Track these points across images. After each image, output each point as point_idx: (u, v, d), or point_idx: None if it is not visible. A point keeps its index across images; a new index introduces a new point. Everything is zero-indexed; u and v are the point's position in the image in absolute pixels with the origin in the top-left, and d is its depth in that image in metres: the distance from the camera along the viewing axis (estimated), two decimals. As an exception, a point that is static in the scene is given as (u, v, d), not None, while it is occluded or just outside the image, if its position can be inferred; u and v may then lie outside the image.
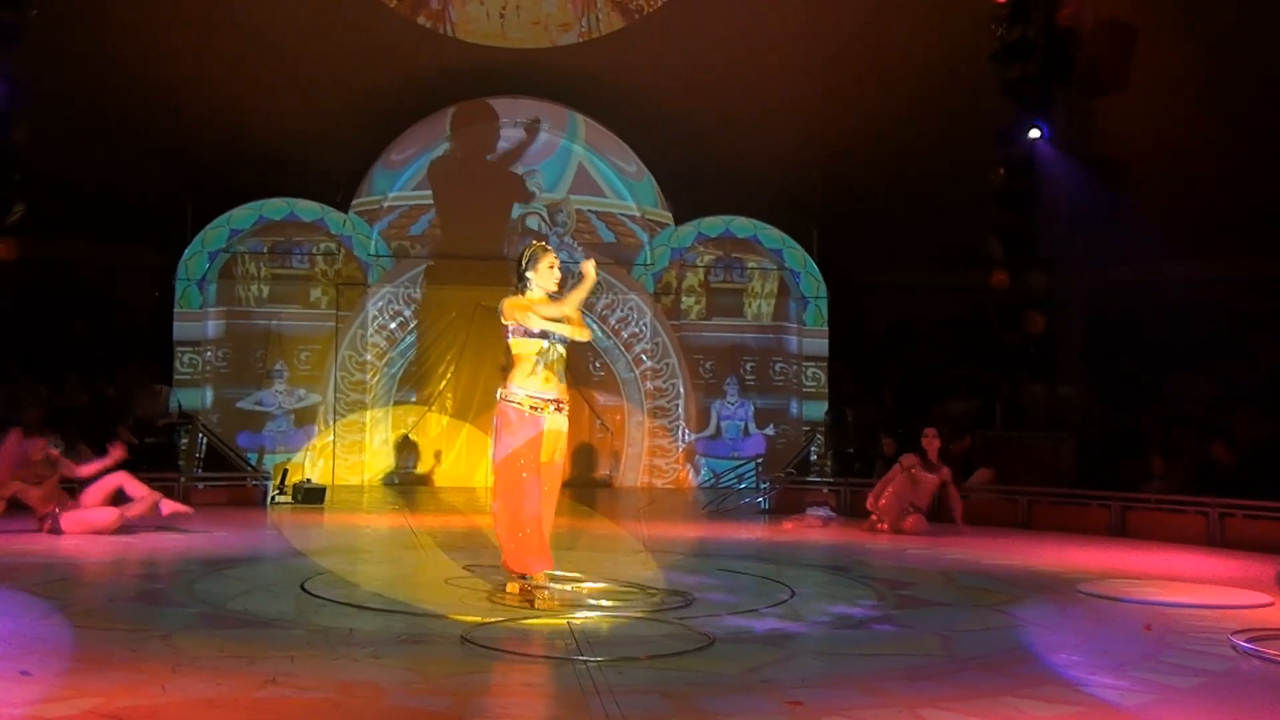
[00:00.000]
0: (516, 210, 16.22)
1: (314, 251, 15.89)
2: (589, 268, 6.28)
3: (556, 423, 6.35)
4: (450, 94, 16.11)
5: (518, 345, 6.30)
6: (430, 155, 16.18)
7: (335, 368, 15.64)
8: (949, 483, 10.87)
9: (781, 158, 16.01)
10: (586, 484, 15.29)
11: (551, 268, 6.34)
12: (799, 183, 16.05)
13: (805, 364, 16.46)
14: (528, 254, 6.40)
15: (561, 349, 6.33)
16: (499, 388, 6.43)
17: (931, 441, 10.80)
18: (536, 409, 6.28)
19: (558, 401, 6.36)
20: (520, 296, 6.36)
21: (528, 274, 6.36)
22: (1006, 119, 13.98)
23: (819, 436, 15.86)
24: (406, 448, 15.67)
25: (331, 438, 15.51)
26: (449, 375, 15.73)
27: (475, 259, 15.70)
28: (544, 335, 6.23)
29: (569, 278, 6.56)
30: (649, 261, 16.40)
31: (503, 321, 6.34)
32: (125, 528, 9.31)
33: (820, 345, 16.49)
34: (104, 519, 9.24)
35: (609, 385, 16.09)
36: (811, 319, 16.52)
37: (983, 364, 14.97)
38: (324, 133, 15.77)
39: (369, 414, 15.64)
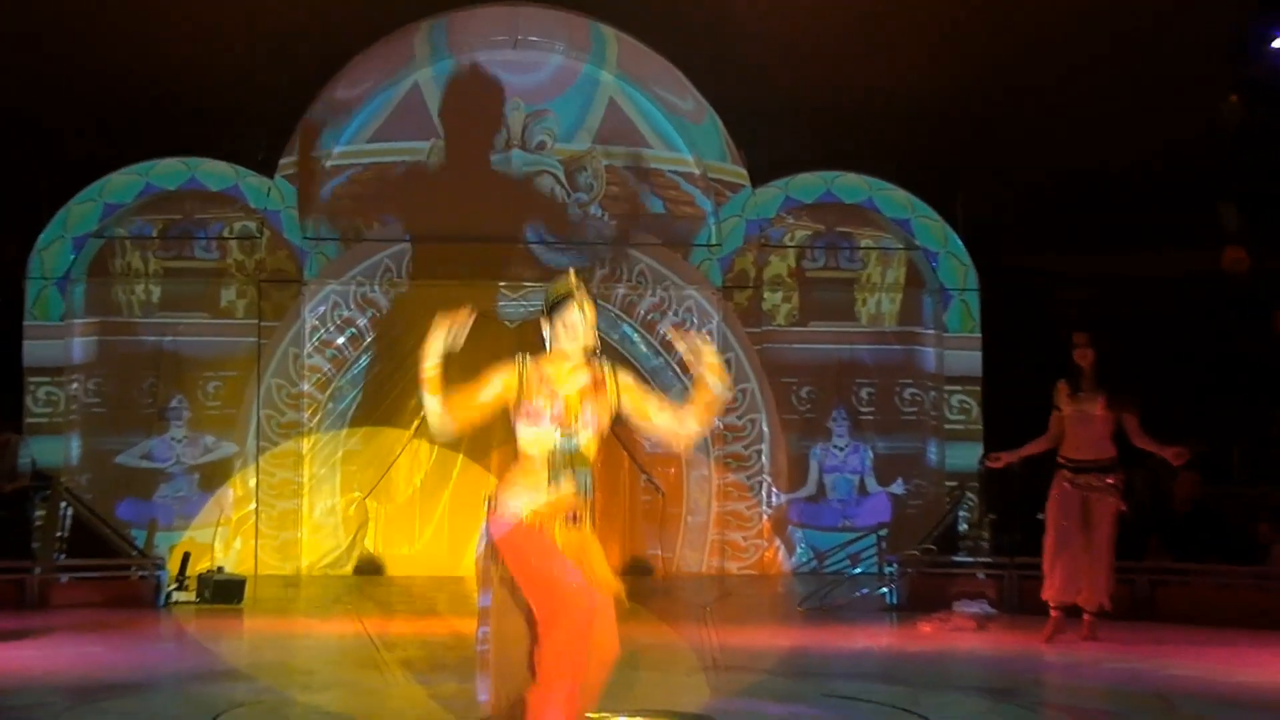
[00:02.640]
0: (519, 166, 16.27)
1: (226, 234, 15.99)
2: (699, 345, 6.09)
3: (573, 535, 6.02)
4: (418, 3, 16.22)
5: (518, 433, 6.03)
6: (394, 91, 16.27)
7: (258, 404, 15.70)
8: (1130, 420, 10.54)
9: (906, 86, 15.87)
10: (630, 570, 15.20)
11: (570, 325, 6.01)
12: (933, 123, 15.98)
13: (948, 388, 16.37)
14: (550, 295, 6.11)
15: (580, 444, 5.98)
16: (489, 494, 6.15)
17: (1084, 352, 10.63)
18: (537, 524, 5.97)
19: (570, 513, 6.01)
20: (517, 361, 6.07)
21: (544, 323, 6.11)
22: (1240, 23, 13.83)
23: (970, 496, 15.74)
24: (362, 520, 15.72)
25: (254, 506, 15.56)
26: (424, 413, 15.64)
27: (460, 241, 15.87)
28: (537, 417, 5.93)
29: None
30: (715, 241, 16.41)
31: None
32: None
33: (970, 360, 16.39)
34: None
35: (659, 424, 16.01)
36: (956, 322, 16.43)
37: (1211, 385, 14.79)
38: (237, 62, 15.81)
39: (307, 471, 15.70)
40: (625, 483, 15.60)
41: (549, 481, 5.93)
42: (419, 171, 16.22)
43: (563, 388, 5.95)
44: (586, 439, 5.98)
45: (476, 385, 5.97)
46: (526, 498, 5.94)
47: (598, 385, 5.98)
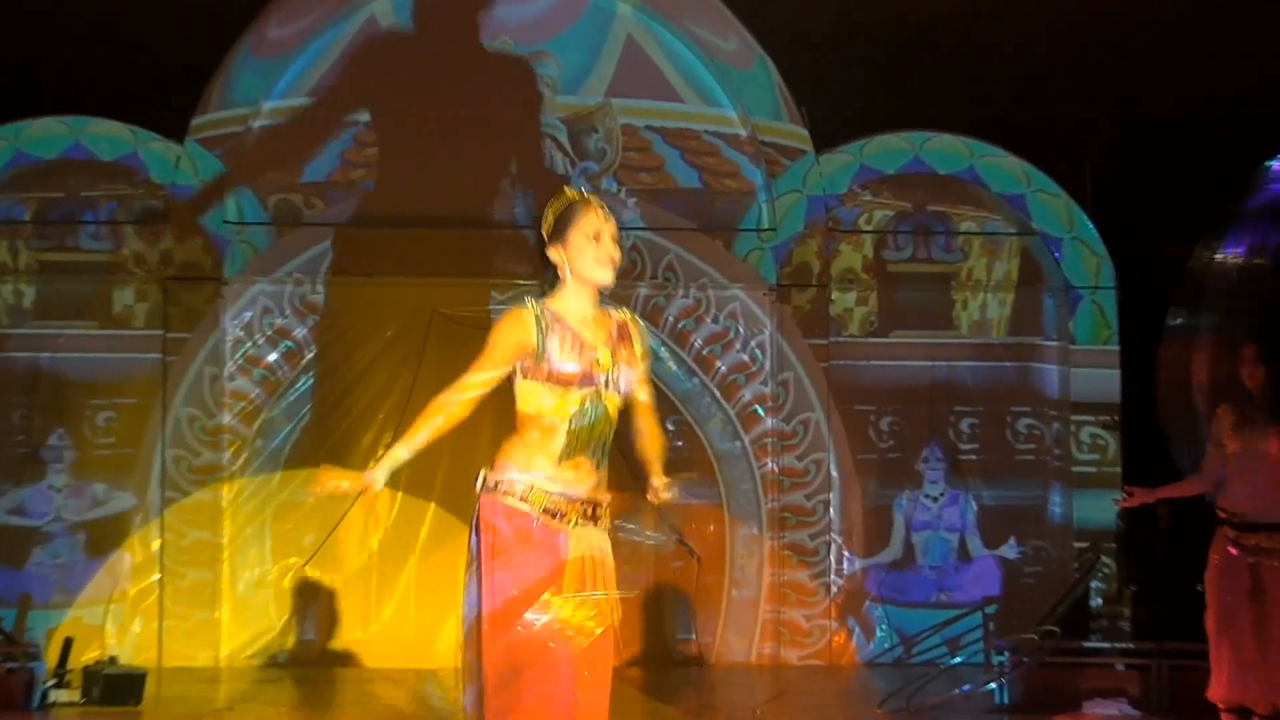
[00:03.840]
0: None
1: (121, 218, 15.97)
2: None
3: (588, 541, 6.34)
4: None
5: (524, 395, 6.33)
6: (342, 28, 16.21)
7: (164, 442, 15.66)
8: None
9: (1018, 17, 15.81)
10: (656, 659, 15.29)
11: (595, 238, 6.27)
12: (1054, 67, 15.95)
13: (1076, 419, 16.25)
14: (551, 212, 6.44)
15: (607, 408, 6.31)
16: (483, 470, 6.43)
17: (1253, 370, 10.59)
18: (553, 514, 6.26)
19: (591, 503, 6.35)
20: (530, 309, 6.34)
21: (550, 250, 6.36)
22: None
23: (1106, 561, 15.64)
24: (303, 596, 15.66)
25: (157, 577, 15.45)
26: (380, 451, 15.51)
27: (430, 226, 15.84)
28: (566, 381, 6.23)
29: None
30: (768, 225, 16.33)
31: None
32: None
33: (1105, 382, 16.28)
34: None
35: (695, 464, 15.92)
36: (1086, 331, 16.35)
37: None
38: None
39: (228, 530, 15.62)
40: (648, 545, 15.47)
41: (563, 458, 6.21)
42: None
43: (590, 337, 6.21)
44: (614, 405, 6.28)
45: (481, 370, 6.20)
46: (532, 467, 6.23)
47: (623, 335, 6.29)
